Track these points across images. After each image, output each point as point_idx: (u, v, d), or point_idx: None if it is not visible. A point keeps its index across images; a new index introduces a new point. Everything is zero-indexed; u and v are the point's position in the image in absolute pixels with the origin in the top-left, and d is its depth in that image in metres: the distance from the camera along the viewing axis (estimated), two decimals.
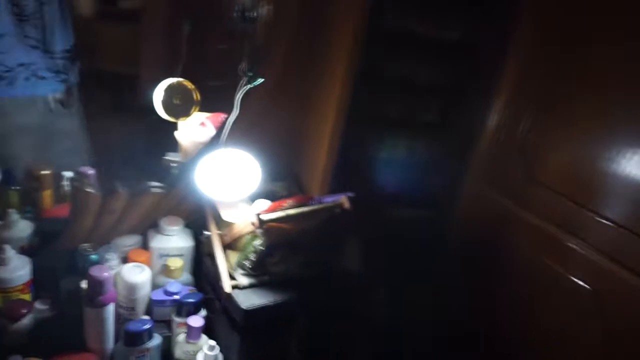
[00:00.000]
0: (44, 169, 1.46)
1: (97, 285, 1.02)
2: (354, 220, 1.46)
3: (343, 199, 1.23)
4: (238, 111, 1.23)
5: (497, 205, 1.54)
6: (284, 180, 1.41)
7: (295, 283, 1.16)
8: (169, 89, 1.41)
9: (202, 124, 1.50)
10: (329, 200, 1.27)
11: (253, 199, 1.25)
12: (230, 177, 1.10)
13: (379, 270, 1.58)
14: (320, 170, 1.36)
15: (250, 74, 1.20)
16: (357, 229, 1.54)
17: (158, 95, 1.40)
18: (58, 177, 1.47)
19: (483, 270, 1.56)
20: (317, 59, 1.32)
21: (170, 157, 1.54)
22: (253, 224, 1.06)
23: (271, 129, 1.34)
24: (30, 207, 1.41)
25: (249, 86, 1.19)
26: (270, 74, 1.27)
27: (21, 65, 1.47)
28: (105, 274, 1.03)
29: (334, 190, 1.40)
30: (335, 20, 1.27)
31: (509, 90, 1.52)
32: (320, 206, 1.20)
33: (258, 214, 1.06)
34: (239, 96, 1.20)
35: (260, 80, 1.20)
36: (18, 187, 1.41)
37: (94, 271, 1.02)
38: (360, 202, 1.36)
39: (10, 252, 1.09)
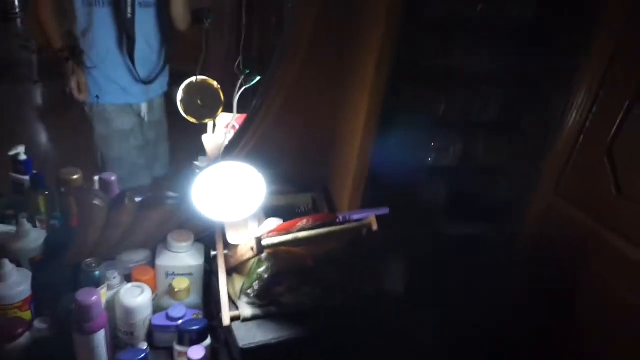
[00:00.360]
0: (74, 173, 1.41)
1: (84, 311, 0.93)
2: (397, 237, 1.26)
3: (371, 219, 1.04)
4: (252, 116, 1.08)
5: (575, 223, 1.24)
6: (311, 191, 1.23)
7: (308, 316, 1.00)
8: (190, 88, 1.29)
9: (232, 126, 1.37)
10: (358, 217, 1.08)
11: (268, 215, 1.10)
12: (228, 195, 0.95)
13: (426, 289, 1.37)
14: (350, 180, 1.17)
15: (247, 71, 1.04)
16: (400, 247, 1.34)
17: (178, 94, 1.29)
18: (90, 182, 1.43)
19: (554, 300, 1.28)
20: (346, 46, 1.12)
21: (200, 162, 1.43)
22: (252, 248, 0.91)
23: (294, 133, 1.17)
24: (59, 212, 1.38)
25: (246, 86, 1.04)
26: (292, 69, 1.10)
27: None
28: (94, 298, 0.93)
29: (368, 203, 1.20)
30: None
31: (596, 81, 1.20)
32: (341, 227, 1.01)
33: (258, 238, 0.90)
34: (236, 97, 1.05)
35: (257, 78, 1.04)
36: (47, 192, 1.38)
37: (81, 295, 0.93)
38: (402, 216, 1.16)
39: (9, 267, 1.03)
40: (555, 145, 1.27)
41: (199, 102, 1.30)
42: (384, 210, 1.11)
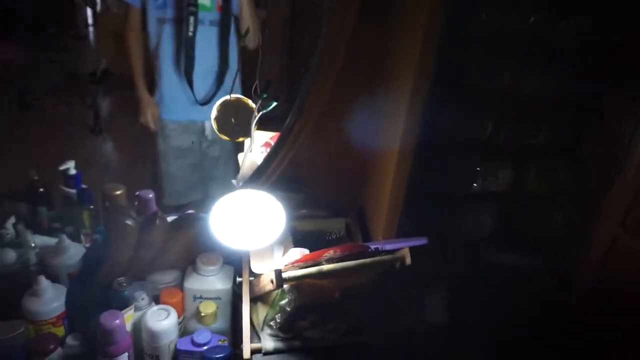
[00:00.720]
0: (117, 189, 1.44)
1: (108, 334, 0.93)
2: (438, 267, 1.18)
3: (405, 252, 0.96)
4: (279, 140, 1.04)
5: None
6: (344, 216, 1.17)
7: (333, 351, 0.94)
8: (224, 107, 1.27)
9: (267, 144, 1.35)
10: (392, 248, 1.00)
11: (296, 241, 1.05)
12: (245, 224, 0.91)
13: (470, 323, 1.27)
14: (385, 207, 1.10)
15: (265, 95, 1.00)
16: (442, 278, 1.25)
17: (212, 112, 1.27)
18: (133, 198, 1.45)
19: (613, 343, 1.13)
20: (380, 65, 1.06)
21: (236, 180, 1.41)
22: (272, 281, 0.86)
23: (327, 154, 1.13)
24: (102, 227, 1.41)
25: (263, 111, 1.00)
26: (324, 90, 1.05)
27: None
28: (117, 321, 0.93)
29: (405, 231, 1.13)
30: (404, 12, 1.00)
31: None
32: (372, 260, 0.94)
33: (278, 270, 0.86)
34: (254, 122, 1.01)
35: (274, 104, 1.00)
36: (92, 207, 1.41)
37: (104, 318, 0.93)
38: (444, 244, 1.07)
39: (45, 283, 1.05)
40: (622, 174, 1.13)
41: (232, 120, 1.28)
42: (422, 241, 1.03)
